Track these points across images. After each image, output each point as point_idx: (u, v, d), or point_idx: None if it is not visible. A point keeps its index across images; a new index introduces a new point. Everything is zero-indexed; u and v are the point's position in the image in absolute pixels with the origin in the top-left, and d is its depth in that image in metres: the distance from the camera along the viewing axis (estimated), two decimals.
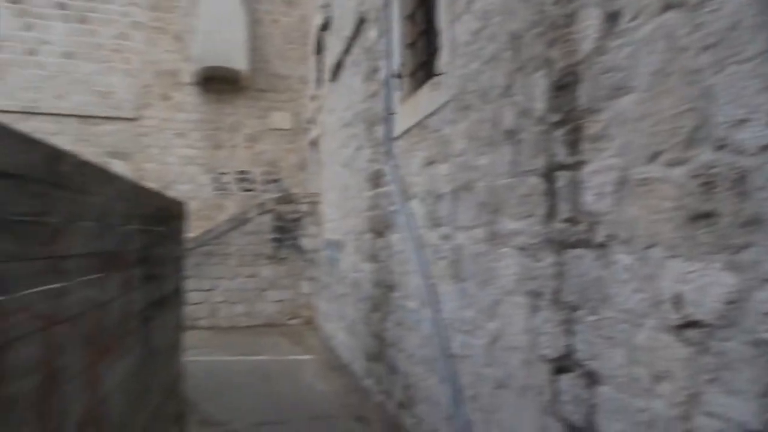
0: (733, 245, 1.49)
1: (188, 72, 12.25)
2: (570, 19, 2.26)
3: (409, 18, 4.85)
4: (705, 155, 1.59)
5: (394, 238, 4.96)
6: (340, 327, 7.57)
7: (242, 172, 12.40)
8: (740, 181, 1.47)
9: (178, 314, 4.58)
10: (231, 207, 12.03)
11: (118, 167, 11.77)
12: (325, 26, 9.53)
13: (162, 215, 3.99)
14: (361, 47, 6.48)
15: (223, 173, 12.29)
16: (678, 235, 1.68)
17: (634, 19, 1.88)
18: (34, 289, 1.83)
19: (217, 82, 12.27)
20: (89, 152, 11.74)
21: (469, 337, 3.29)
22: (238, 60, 12.02)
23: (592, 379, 2.11)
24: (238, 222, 9.92)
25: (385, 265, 5.29)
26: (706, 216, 1.58)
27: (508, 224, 2.79)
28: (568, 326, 2.27)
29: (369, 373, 5.88)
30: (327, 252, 8.97)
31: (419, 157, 4.24)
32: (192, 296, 9.39)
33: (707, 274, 1.57)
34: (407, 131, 4.54)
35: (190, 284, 9.41)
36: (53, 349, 1.90)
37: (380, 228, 5.46)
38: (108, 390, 2.48)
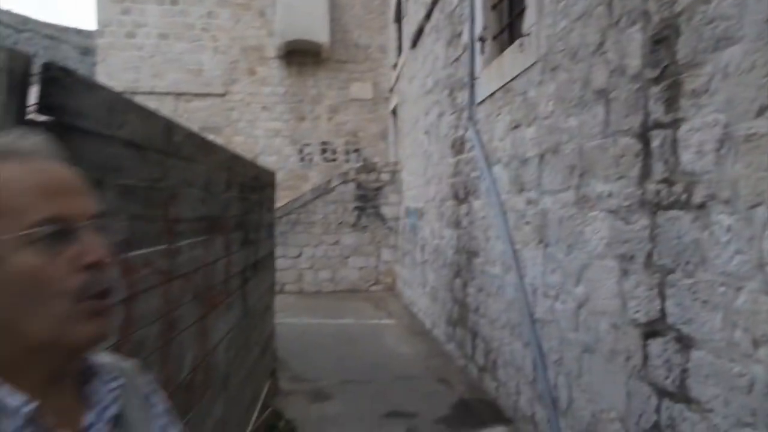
0: None
1: (272, 46, 12.60)
2: None
3: None
4: None
5: (477, 204, 4.96)
6: (422, 293, 7.70)
7: (324, 143, 12.71)
8: None
9: (271, 277, 4.86)
10: (314, 177, 12.41)
11: None
12: None
13: (255, 184, 4.23)
14: (442, 12, 6.39)
15: (306, 144, 12.66)
16: None
17: None
18: (155, 248, 2.03)
19: (300, 55, 12.54)
20: None
21: (555, 302, 3.27)
22: (319, 32, 12.21)
23: (685, 343, 2.06)
24: (322, 191, 10.23)
25: (467, 231, 5.30)
26: None
27: (599, 187, 2.73)
28: (661, 290, 2.21)
29: (450, 338, 5.97)
30: (408, 219, 9.08)
31: (504, 121, 4.18)
32: (280, 263, 9.85)
33: None
34: (491, 95, 4.48)
35: (278, 251, 9.89)
36: (171, 302, 2.11)
37: (463, 194, 5.46)
38: (215, 341, 2.72)
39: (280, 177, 12.48)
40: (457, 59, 5.58)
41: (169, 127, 2.13)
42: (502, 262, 4.24)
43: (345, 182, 10.22)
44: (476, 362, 5.00)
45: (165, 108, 12.47)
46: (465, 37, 5.19)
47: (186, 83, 12.61)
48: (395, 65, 11.16)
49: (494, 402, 4.43)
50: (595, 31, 2.74)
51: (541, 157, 3.45)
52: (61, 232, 0.56)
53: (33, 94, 1.20)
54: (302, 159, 12.63)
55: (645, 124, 2.32)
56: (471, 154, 5.03)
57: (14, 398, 0.54)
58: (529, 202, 3.67)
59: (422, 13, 7.44)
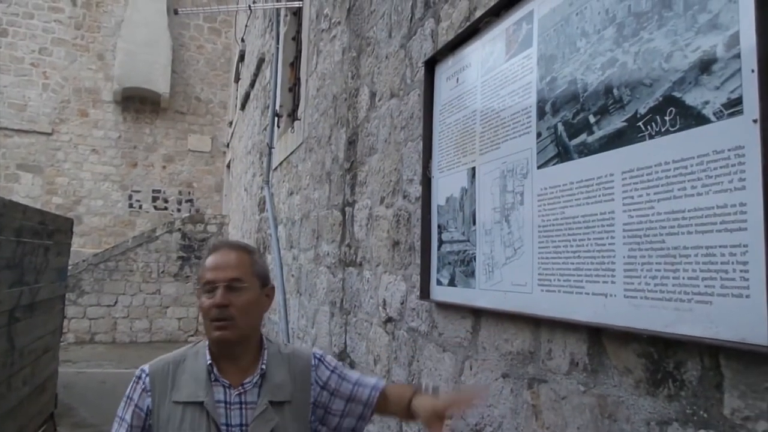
0: (405, 263, 2.18)
1: (108, 90, 12.46)
2: (357, 91, 2.97)
3: (291, 65, 5.53)
4: (399, 201, 2.29)
5: (269, 258, 5.53)
6: None
7: (156, 190, 12.63)
8: (408, 219, 2.17)
9: (56, 321, 4.92)
10: (143, 225, 12.21)
11: (28, 180, 11.75)
12: (241, 58, 10.13)
13: (43, 229, 4.40)
14: (260, 84, 7.11)
15: (136, 191, 12.48)
16: (388, 257, 2.37)
17: (380, 99, 2.60)
18: None
19: (138, 102, 12.54)
20: None
21: (302, 342, 3.90)
22: (159, 82, 12.37)
23: (353, 367, 2.75)
24: (145, 239, 10.16)
25: None
26: (397, 243, 2.27)
27: (324, 247, 3.45)
28: (346, 327, 2.92)
29: None
30: None
31: (285, 187, 4.87)
32: (92, 311, 9.52)
33: (395, 282, 2.26)
34: (280, 164, 5.18)
35: (91, 299, 9.55)
36: None
37: (262, 248, 6.02)
38: None
39: (105, 222, 12.13)
40: (265, 128, 6.27)
41: None
42: (278, 311, 4.81)
43: (170, 231, 10.29)
44: None
45: None
46: (270, 110, 5.90)
47: (6, 117, 11.91)
48: (230, 122, 11.68)
49: None
50: (328, 126, 3.54)
51: (301, 221, 4.15)
52: (211, 288, 1.22)
53: None
54: (131, 205, 12.40)
55: (344, 202, 3.08)
56: (266, 214, 5.65)
57: (207, 357, 1.24)
58: (294, 258, 4.33)
59: (249, 80, 8.13)
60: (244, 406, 1.22)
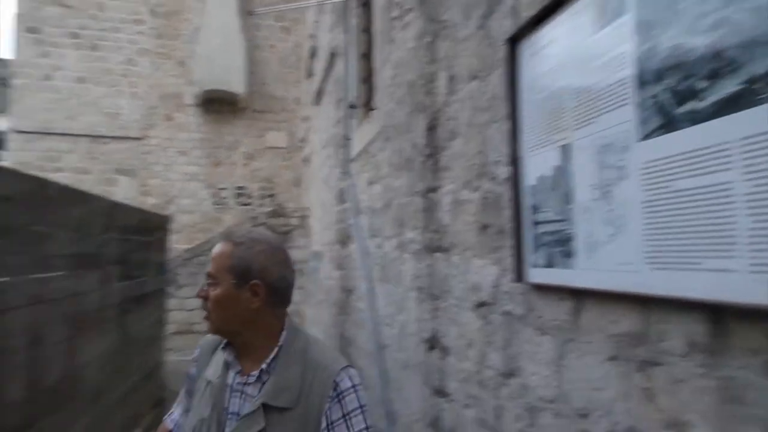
0: (495, 246, 2.16)
1: (190, 95, 13.11)
2: (434, 76, 2.96)
3: (364, 56, 5.57)
4: (485, 184, 2.26)
5: (352, 247, 5.64)
6: (319, 331, 8.23)
7: (240, 187, 13.19)
8: (497, 202, 2.14)
9: (159, 311, 5.28)
10: (229, 220, 12.80)
11: (125, 183, 12.62)
12: (312, 54, 10.32)
13: (144, 227, 4.72)
14: (332, 77, 7.22)
15: (221, 189, 13.09)
16: (476, 240, 2.35)
17: (460, 82, 2.57)
18: (23, 276, 2.54)
19: (217, 104, 13.11)
20: (98, 169, 12.61)
21: (389, 329, 3.96)
22: (236, 83, 12.87)
23: (445, 351, 2.77)
24: None
25: (346, 272, 5.97)
26: (485, 227, 2.25)
27: (408, 234, 3.47)
28: (434, 313, 2.93)
29: None
30: (312, 262, 9.66)
31: (364, 177, 4.93)
32: (188, 303, 10.12)
33: (486, 266, 2.24)
34: (359, 155, 5.25)
35: (185, 292, 10.14)
36: (37, 321, 2.60)
37: (344, 239, 6.14)
38: (85, 360, 3.18)
39: (194, 219, 12.82)
40: (340, 120, 6.37)
41: (43, 182, 2.67)
42: (364, 298, 4.90)
43: (255, 226, 10.71)
44: None
45: (79, 149, 12.61)
46: (345, 102, 5.99)
47: (102, 126, 12.82)
48: (305, 117, 11.96)
49: None
50: (405, 114, 3.55)
51: (383, 209, 4.19)
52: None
53: None
54: (217, 203, 13.03)
55: (427, 188, 3.08)
56: (347, 204, 5.76)
57: (223, 343, 1.31)
58: (378, 246, 4.39)
59: (321, 74, 8.28)
60: (243, 395, 1.24)
